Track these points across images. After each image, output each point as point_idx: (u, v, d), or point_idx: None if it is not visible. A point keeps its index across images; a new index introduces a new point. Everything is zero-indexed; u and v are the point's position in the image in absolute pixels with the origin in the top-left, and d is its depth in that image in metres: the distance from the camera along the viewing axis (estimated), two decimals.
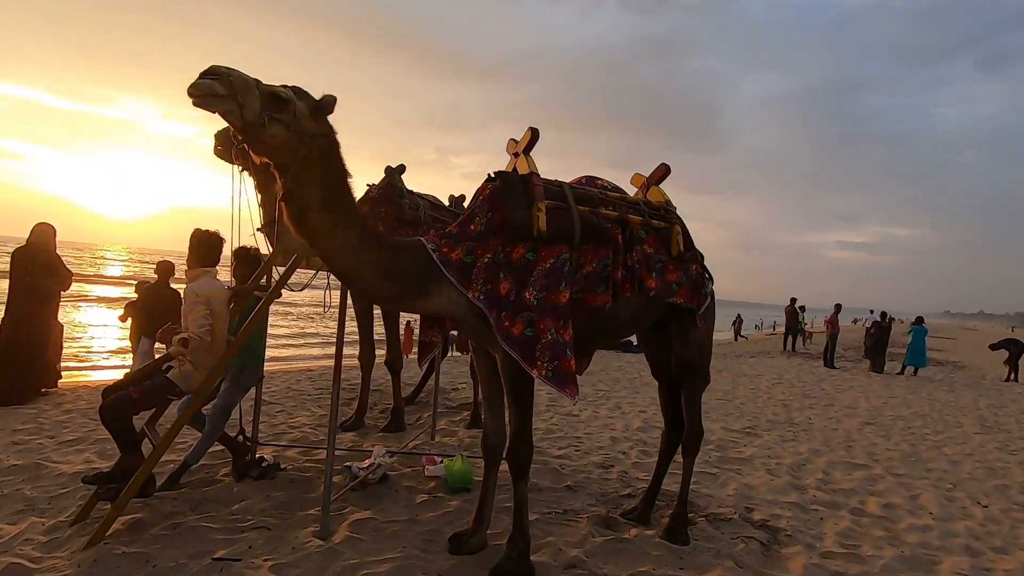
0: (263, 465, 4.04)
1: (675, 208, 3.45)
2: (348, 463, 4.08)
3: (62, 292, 6.30)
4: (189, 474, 3.83)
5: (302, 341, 17.00)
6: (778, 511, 4.10)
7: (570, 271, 2.84)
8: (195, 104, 2.18)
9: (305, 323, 21.50)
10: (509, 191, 2.80)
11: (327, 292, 3.41)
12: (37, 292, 5.92)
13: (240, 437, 4.05)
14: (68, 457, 4.28)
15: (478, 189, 2.94)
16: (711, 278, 3.48)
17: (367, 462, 4.02)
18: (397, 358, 5.53)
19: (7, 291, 6.04)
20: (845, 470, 5.37)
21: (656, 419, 6.73)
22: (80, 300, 21.39)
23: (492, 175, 2.87)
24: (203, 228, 3.43)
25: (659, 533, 3.48)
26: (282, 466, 4.17)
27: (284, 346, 15.34)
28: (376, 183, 5.26)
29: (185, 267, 3.44)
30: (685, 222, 3.40)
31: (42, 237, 6.02)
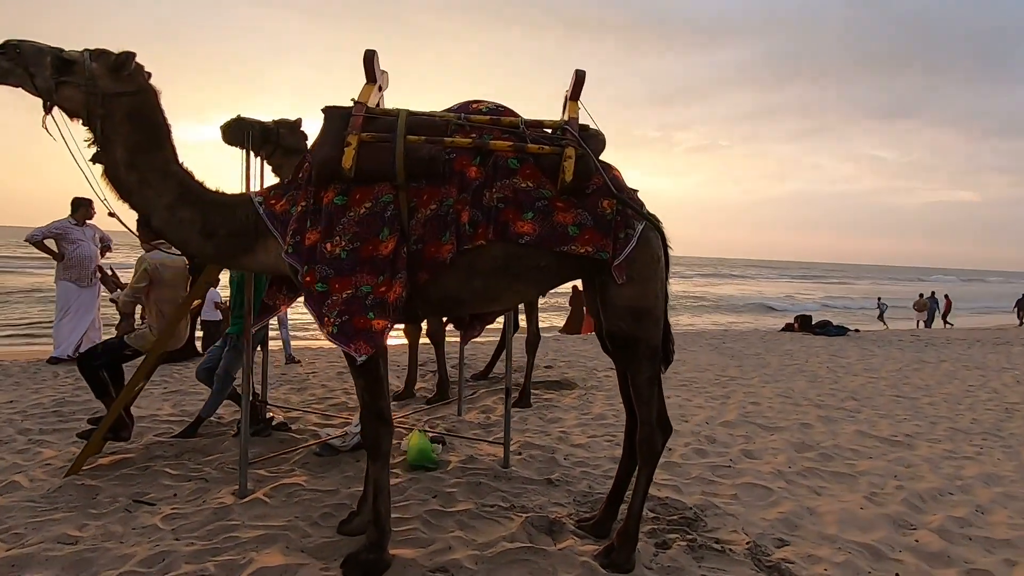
0: (272, 424, 4.35)
1: (599, 131, 2.59)
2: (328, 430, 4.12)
3: None
4: (207, 426, 4.31)
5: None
6: (823, 554, 2.85)
7: (394, 216, 2.34)
8: None
9: None
10: (328, 127, 2.42)
11: None
12: None
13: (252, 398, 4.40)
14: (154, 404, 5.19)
15: None
16: (648, 218, 2.52)
17: (343, 430, 4.00)
18: (437, 332, 5.43)
19: None
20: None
21: (725, 417, 5.37)
22: None
23: (323, 110, 2.52)
24: None
25: (598, 552, 2.71)
26: (290, 427, 4.42)
27: None
28: None
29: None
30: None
31: None
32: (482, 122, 2.46)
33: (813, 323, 12.70)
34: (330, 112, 2.45)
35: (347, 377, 6.58)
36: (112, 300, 3.72)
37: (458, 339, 4.73)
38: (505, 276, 2.44)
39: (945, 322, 20.65)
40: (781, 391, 6.42)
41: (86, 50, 2.40)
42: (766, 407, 5.66)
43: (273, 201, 2.50)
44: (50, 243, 6.50)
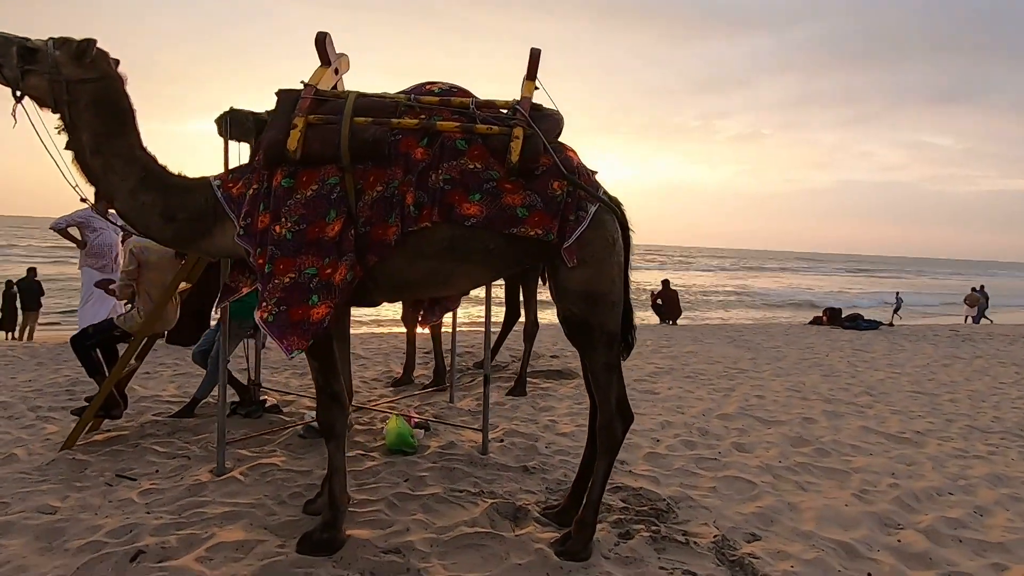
0: (265, 406, 4.46)
1: (556, 111, 2.52)
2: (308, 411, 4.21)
3: None
4: (205, 407, 4.44)
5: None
6: (793, 550, 2.74)
7: (341, 198, 2.34)
8: None
9: None
10: (279, 109, 2.43)
11: None
12: None
13: (247, 381, 4.52)
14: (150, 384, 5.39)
15: None
16: (603, 200, 2.45)
17: None
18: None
19: None
20: None
21: (724, 410, 5.22)
22: None
23: (276, 93, 2.54)
24: None
25: (556, 540, 2.68)
26: (282, 409, 4.53)
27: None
28: None
29: None
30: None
31: None
32: (432, 103, 2.43)
33: (843, 316, 12.23)
34: (282, 95, 2.47)
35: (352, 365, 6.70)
36: (110, 291, 3.91)
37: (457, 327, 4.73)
38: (453, 259, 2.41)
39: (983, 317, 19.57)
40: (791, 385, 6.21)
41: (50, 38, 2.47)
42: (770, 400, 5.48)
43: (231, 184, 2.54)
44: (74, 231, 6.80)
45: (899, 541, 2.89)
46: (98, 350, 3.74)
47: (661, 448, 4.03)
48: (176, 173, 2.64)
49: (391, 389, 5.45)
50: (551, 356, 7.32)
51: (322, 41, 2.50)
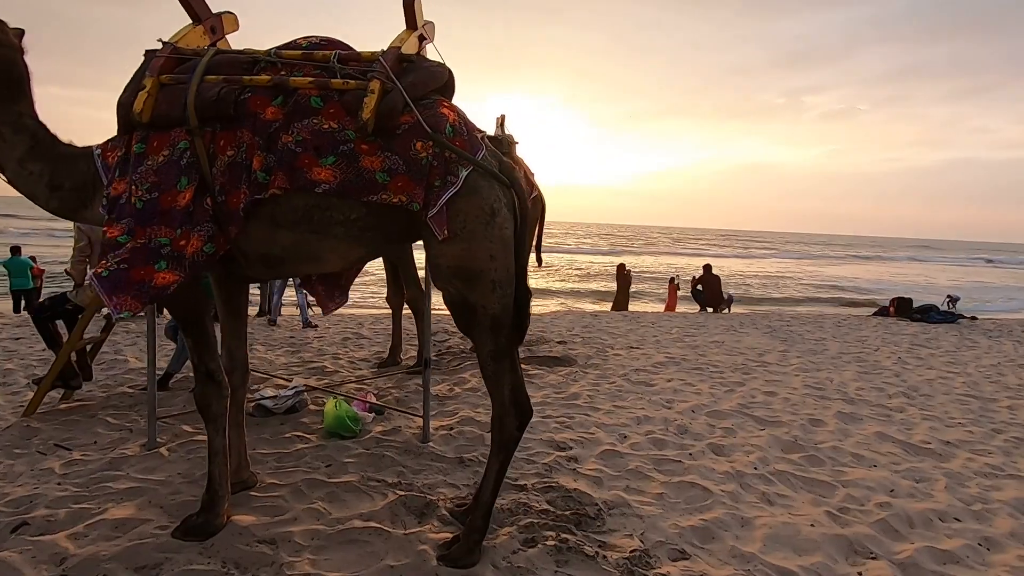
0: None
1: (436, 63, 2.22)
2: (265, 390, 4.15)
3: None
4: (181, 381, 4.51)
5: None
6: (713, 568, 2.34)
7: (192, 164, 2.17)
8: None
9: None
10: (138, 71, 2.29)
11: None
12: None
13: None
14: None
15: None
16: (479, 162, 2.12)
17: (276, 392, 4.00)
18: (418, 299, 5.28)
19: None
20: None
21: (718, 406, 4.68)
22: None
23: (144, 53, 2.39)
24: None
25: (443, 542, 2.44)
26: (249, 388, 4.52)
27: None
28: None
29: None
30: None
31: None
32: (294, 57, 2.20)
33: (914, 308, 10.96)
34: (148, 55, 2.32)
35: (348, 344, 6.69)
36: (66, 272, 4.03)
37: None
38: (312, 231, 2.19)
39: None
40: (814, 382, 5.55)
41: None
42: (780, 398, 4.91)
43: (108, 152, 2.44)
44: None
45: (859, 574, 2.42)
46: (63, 322, 3.85)
47: (624, 446, 3.66)
48: (66, 142, 2.58)
49: (373, 370, 5.36)
50: (558, 341, 6.99)
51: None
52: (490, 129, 5.34)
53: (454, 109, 2.21)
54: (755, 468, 3.40)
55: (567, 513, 2.76)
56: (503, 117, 5.55)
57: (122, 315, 2.11)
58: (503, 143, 5.54)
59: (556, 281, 25.65)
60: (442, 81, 2.24)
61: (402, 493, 2.85)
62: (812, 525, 2.76)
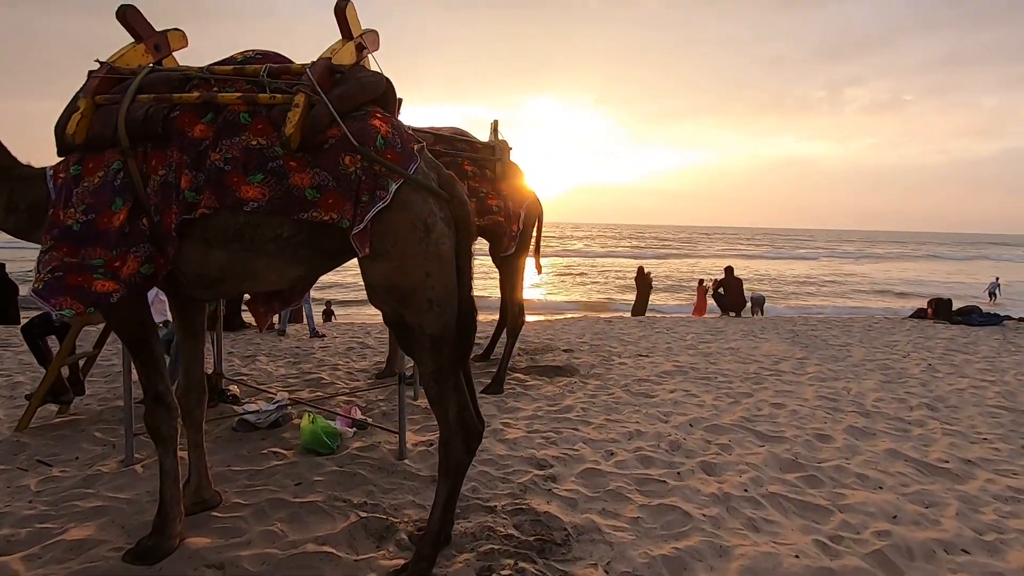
0: (225, 397, 4.50)
1: (372, 72, 2.14)
2: (247, 404, 4.15)
3: None
4: None
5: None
6: None
7: (126, 185, 2.14)
8: None
9: None
10: (78, 92, 2.28)
11: None
12: None
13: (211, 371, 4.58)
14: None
15: None
16: (411, 176, 2.02)
17: (257, 406, 3.99)
18: None
19: None
20: None
21: (718, 420, 4.43)
22: None
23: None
24: None
25: (394, 569, 2.35)
26: (240, 400, 4.54)
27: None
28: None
29: None
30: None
31: None
32: (226, 73, 2.16)
33: (954, 309, 10.33)
34: (89, 75, 2.31)
35: (351, 354, 6.68)
36: None
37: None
38: (245, 250, 2.12)
39: None
40: (829, 392, 5.24)
41: None
42: (788, 411, 4.64)
43: (59, 173, 2.45)
44: None
45: None
46: (54, 337, 3.93)
47: (608, 464, 3.50)
48: (24, 164, 2.60)
49: (370, 381, 5.33)
50: (564, 349, 6.83)
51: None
52: (486, 131, 5.25)
53: (388, 120, 2.12)
54: (745, 490, 3.19)
55: (531, 539, 2.63)
56: (496, 123, 5.46)
57: (63, 312, 2.09)
58: (496, 149, 5.47)
59: (575, 286, 25.46)
60: (378, 92, 2.16)
61: (364, 515, 2.77)
62: (796, 556, 2.55)
